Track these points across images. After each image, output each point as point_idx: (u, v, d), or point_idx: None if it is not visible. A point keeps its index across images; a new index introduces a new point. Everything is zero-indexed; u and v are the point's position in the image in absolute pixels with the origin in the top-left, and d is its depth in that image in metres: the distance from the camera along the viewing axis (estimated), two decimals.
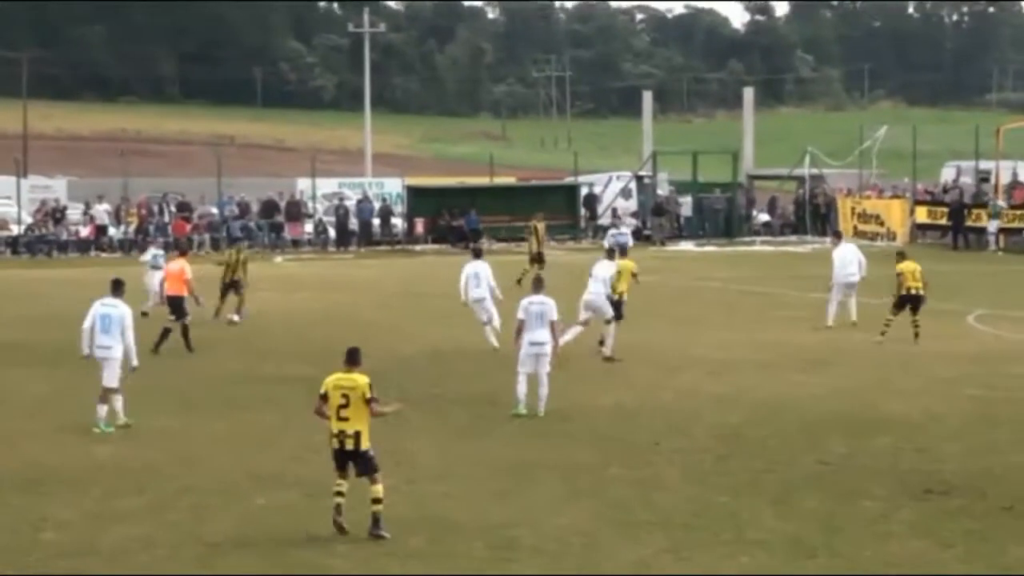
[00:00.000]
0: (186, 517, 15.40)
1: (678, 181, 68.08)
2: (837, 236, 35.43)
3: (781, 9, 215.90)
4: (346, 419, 14.41)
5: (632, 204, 65.14)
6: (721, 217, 63.07)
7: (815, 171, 66.13)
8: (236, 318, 31.41)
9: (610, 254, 28.51)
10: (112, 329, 20.02)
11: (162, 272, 30.65)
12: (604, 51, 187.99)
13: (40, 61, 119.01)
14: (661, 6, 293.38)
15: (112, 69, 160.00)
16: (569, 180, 68.18)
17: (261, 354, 27.28)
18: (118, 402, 20.18)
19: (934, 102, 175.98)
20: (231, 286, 31.95)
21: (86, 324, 20.32)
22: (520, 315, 20.88)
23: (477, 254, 29.62)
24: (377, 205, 60.98)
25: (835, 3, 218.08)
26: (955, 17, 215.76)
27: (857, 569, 13.59)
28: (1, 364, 25.03)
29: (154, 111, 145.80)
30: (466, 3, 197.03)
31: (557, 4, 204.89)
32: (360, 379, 14.52)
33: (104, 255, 55.23)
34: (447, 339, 28.66)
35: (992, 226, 53.85)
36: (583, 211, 63.96)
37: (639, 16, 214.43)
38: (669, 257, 53.86)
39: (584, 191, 64.74)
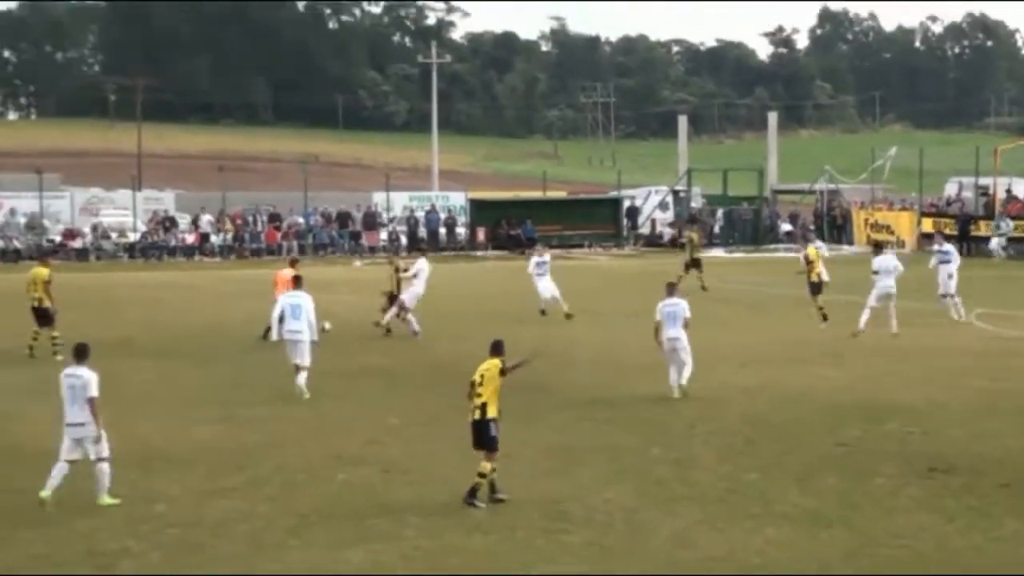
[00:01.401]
0: (278, 492, 15.47)
1: (710, 195, 68.19)
2: (878, 247, 34.07)
3: (802, 42, 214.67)
4: (479, 394, 15.18)
5: (669, 215, 65.12)
6: (748, 227, 62.93)
7: (832, 186, 65.79)
8: (386, 319, 29.58)
9: (878, 248, 29.23)
10: (300, 316, 21.41)
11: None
12: (644, 80, 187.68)
13: (153, 89, 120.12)
14: (695, 39, 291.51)
15: (214, 96, 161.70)
16: (613, 194, 68.20)
17: (342, 349, 27.29)
18: (302, 377, 21.23)
19: (938, 125, 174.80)
20: (391, 299, 29.77)
21: (275, 314, 21.93)
22: (657, 317, 21.40)
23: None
24: (443, 216, 61.25)
25: (850, 37, 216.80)
26: (957, 50, 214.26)
27: (869, 539, 13.51)
28: (115, 357, 25.18)
29: (250, 133, 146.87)
30: (523, 38, 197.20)
31: (603, 38, 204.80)
32: (496, 362, 15.42)
33: (206, 259, 55.93)
34: (503, 334, 28.49)
35: None
36: (625, 221, 64.17)
37: (675, 49, 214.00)
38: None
39: (626, 204, 64.92)
